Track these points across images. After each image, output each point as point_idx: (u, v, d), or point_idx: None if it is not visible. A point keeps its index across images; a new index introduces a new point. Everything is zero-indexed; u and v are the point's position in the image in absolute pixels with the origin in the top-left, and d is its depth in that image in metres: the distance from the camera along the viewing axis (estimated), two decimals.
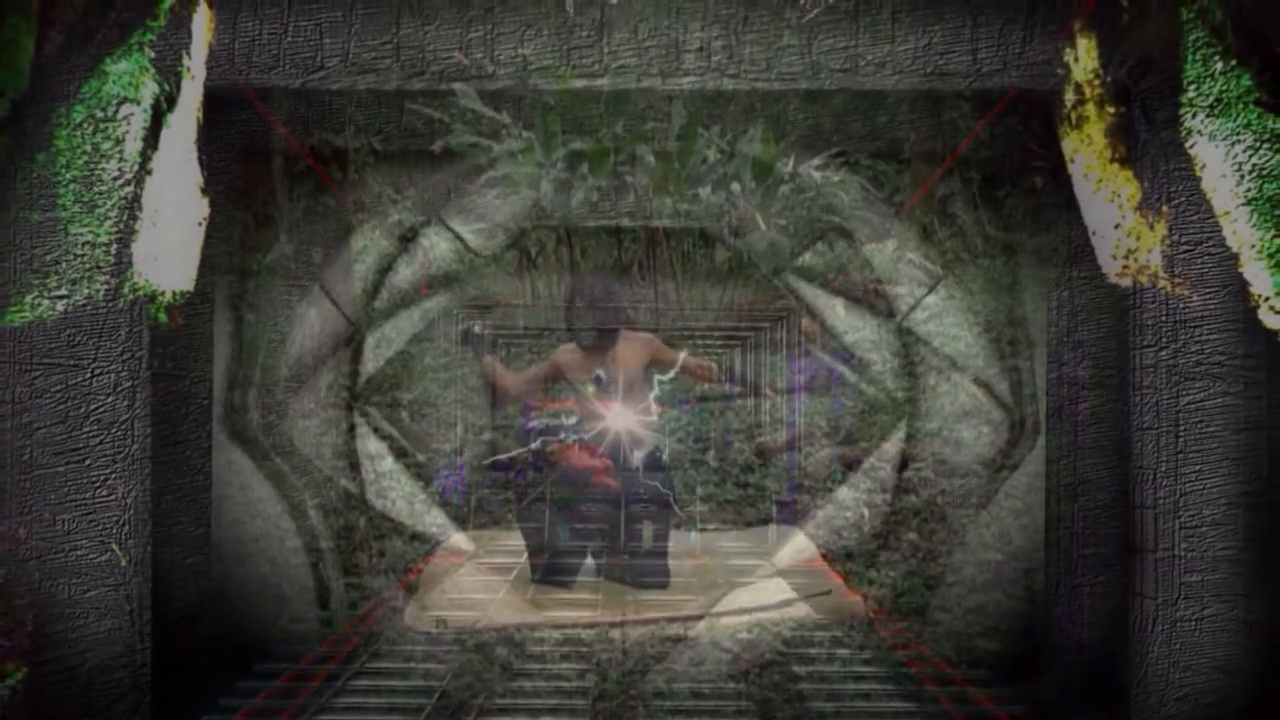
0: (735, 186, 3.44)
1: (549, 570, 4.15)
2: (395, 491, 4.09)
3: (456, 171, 3.46)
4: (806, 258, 3.94)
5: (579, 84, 2.76)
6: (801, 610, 3.61)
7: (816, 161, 3.38)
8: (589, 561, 4.21)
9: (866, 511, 3.89)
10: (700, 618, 3.57)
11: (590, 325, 4.19)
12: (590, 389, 4.19)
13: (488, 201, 3.66)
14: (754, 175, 3.39)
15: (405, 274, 3.93)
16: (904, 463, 3.76)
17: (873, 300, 3.81)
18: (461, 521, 4.44)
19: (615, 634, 3.45)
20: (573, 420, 4.23)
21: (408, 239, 3.83)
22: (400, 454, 4.18)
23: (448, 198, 3.68)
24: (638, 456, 4.16)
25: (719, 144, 3.30)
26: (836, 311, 3.96)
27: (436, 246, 3.92)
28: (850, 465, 4.01)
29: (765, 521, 4.68)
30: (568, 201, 3.45)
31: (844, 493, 4.02)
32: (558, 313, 4.45)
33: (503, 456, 4.60)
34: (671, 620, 3.55)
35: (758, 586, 3.86)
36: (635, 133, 3.18)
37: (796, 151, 3.31)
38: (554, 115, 3.07)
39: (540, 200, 3.48)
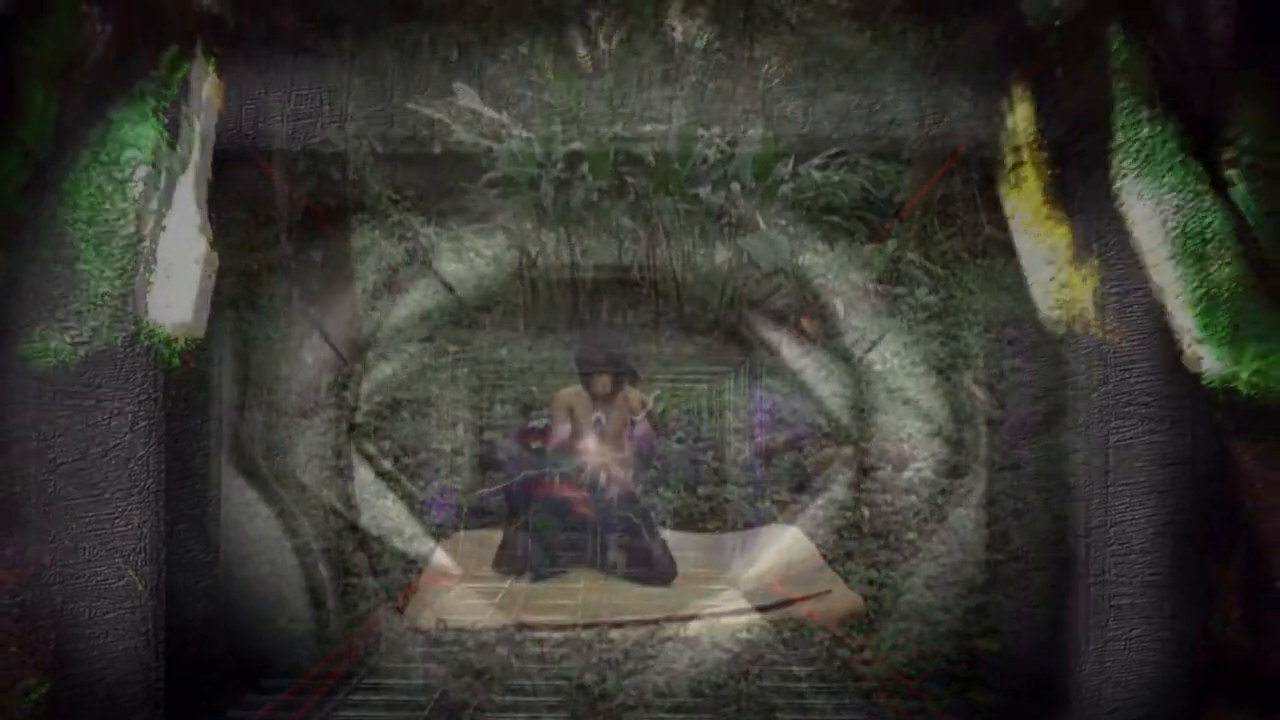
0: (735, 186, 3.53)
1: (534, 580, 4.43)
2: (388, 516, 4.30)
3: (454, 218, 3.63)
4: (771, 299, 4.11)
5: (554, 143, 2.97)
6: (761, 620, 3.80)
7: (816, 161, 3.46)
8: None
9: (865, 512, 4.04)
10: (691, 618, 3.76)
11: (599, 365, 4.39)
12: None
13: (489, 202, 3.75)
14: (754, 175, 3.46)
15: (401, 315, 4.11)
16: (858, 484, 3.94)
17: (830, 340, 3.98)
18: (450, 545, 4.65)
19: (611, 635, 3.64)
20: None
21: (405, 284, 4.01)
22: (394, 483, 4.40)
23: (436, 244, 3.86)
24: (614, 490, 4.42)
25: (719, 144, 3.38)
26: (794, 350, 4.13)
27: (429, 299, 4.08)
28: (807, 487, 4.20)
29: (722, 528, 4.87)
30: (568, 203, 3.52)
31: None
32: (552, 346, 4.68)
33: (489, 490, 4.84)
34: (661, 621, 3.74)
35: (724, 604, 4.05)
36: (635, 133, 3.26)
37: (796, 150, 3.39)
38: (554, 115, 3.14)
39: (540, 200, 3.57)
